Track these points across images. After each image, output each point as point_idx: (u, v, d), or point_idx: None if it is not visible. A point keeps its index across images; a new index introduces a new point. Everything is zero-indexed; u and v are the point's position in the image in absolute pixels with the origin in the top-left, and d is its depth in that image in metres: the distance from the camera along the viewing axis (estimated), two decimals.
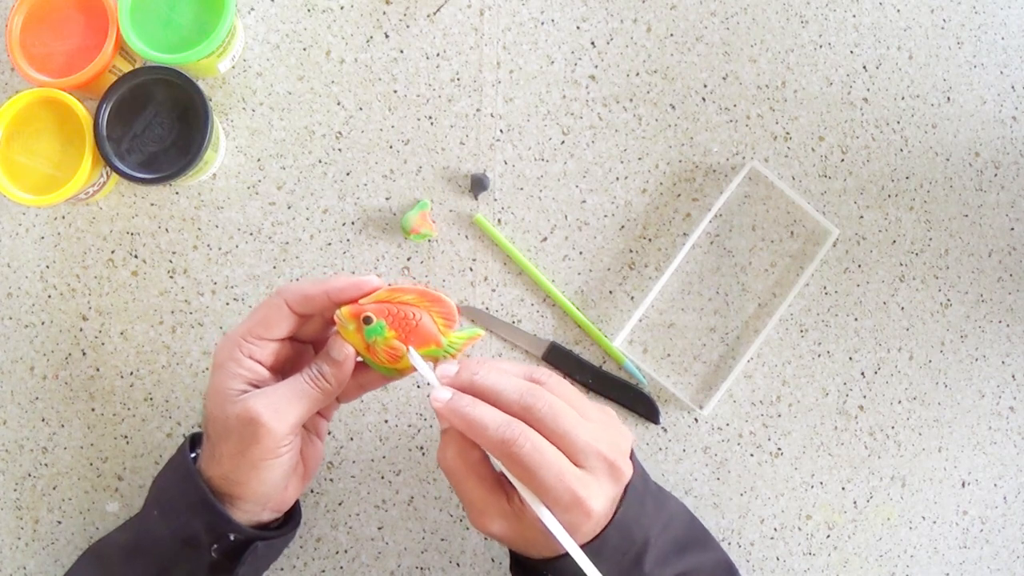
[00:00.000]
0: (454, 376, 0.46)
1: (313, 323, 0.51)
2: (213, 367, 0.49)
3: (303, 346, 0.52)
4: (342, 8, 0.66)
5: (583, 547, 0.44)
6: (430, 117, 0.65)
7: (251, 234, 0.65)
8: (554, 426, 0.44)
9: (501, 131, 0.65)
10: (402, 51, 0.66)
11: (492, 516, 0.46)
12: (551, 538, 0.44)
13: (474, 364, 0.47)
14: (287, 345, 0.50)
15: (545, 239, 0.65)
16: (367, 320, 0.47)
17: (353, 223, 0.65)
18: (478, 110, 0.65)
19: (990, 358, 0.66)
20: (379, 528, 0.63)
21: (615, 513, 0.46)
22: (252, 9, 0.66)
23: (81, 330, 0.64)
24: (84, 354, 0.64)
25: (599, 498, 0.44)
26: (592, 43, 0.66)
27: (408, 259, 0.65)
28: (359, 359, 0.49)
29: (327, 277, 0.56)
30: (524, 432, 0.43)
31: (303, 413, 0.48)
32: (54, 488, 0.64)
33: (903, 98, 0.67)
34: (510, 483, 0.46)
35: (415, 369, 0.48)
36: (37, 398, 0.64)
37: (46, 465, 0.64)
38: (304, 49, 0.66)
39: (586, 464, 0.44)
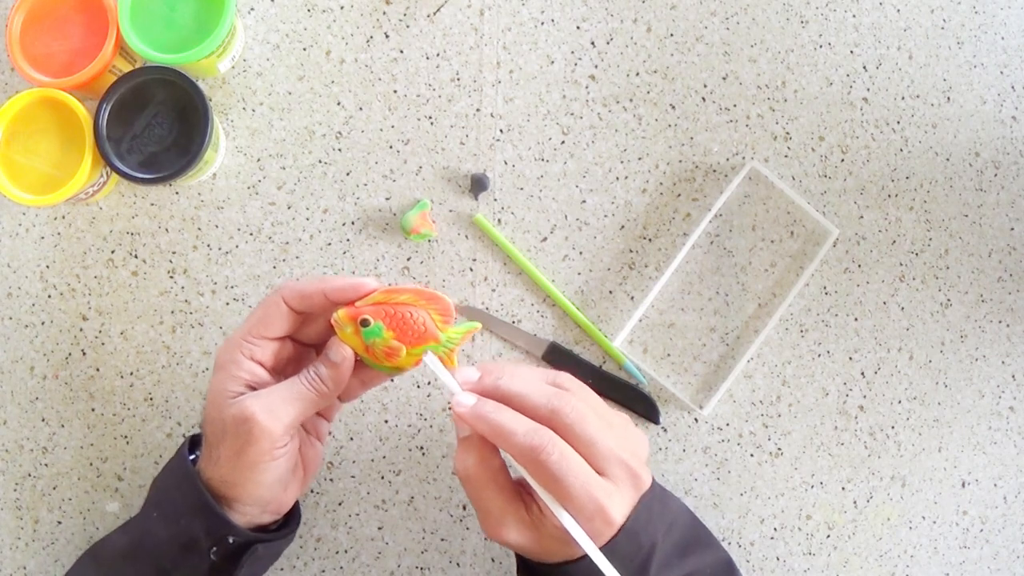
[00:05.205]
0: (477, 381, 0.46)
1: (315, 325, 0.50)
2: (214, 370, 0.49)
3: (305, 350, 0.52)
4: (342, 8, 0.66)
5: None
6: (430, 117, 0.65)
7: (251, 234, 0.65)
8: (581, 433, 0.44)
9: (501, 131, 0.65)
10: (402, 51, 0.66)
11: (510, 525, 0.45)
12: (569, 545, 0.44)
13: (496, 369, 0.46)
14: (288, 346, 0.50)
15: (545, 239, 0.65)
16: (364, 323, 0.47)
17: (353, 223, 0.65)
18: (478, 110, 0.65)
19: (990, 358, 0.66)
20: (379, 528, 0.63)
21: (626, 519, 0.46)
22: (252, 9, 0.66)
23: (81, 330, 0.64)
24: (84, 354, 0.64)
25: (620, 507, 0.44)
26: (592, 43, 0.66)
27: (408, 259, 0.65)
28: (358, 359, 0.49)
29: (325, 277, 0.56)
30: (553, 439, 0.43)
31: (299, 414, 0.47)
32: (54, 488, 0.64)
33: (903, 98, 0.67)
34: (528, 492, 0.45)
35: (416, 364, 0.48)
36: (37, 398, 0.64)
37: (46, 465, 0.64)
38: (304, 49, 0.66)
39: (608, 472, 0.44)
